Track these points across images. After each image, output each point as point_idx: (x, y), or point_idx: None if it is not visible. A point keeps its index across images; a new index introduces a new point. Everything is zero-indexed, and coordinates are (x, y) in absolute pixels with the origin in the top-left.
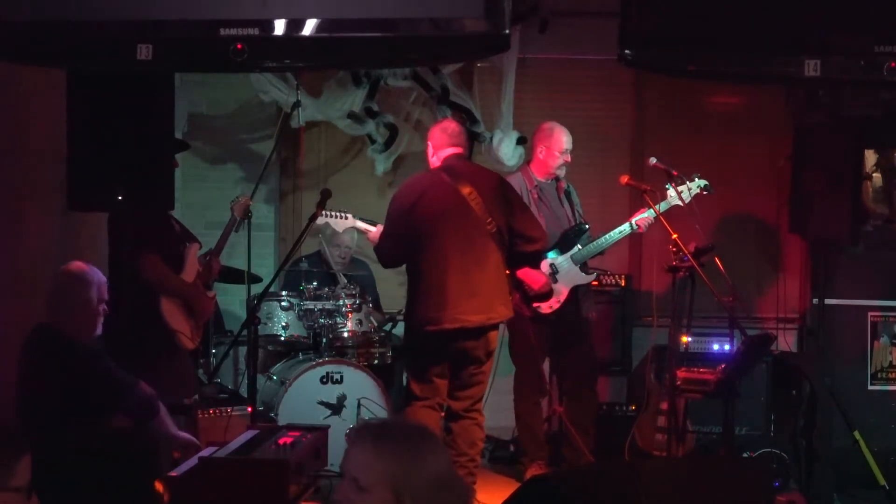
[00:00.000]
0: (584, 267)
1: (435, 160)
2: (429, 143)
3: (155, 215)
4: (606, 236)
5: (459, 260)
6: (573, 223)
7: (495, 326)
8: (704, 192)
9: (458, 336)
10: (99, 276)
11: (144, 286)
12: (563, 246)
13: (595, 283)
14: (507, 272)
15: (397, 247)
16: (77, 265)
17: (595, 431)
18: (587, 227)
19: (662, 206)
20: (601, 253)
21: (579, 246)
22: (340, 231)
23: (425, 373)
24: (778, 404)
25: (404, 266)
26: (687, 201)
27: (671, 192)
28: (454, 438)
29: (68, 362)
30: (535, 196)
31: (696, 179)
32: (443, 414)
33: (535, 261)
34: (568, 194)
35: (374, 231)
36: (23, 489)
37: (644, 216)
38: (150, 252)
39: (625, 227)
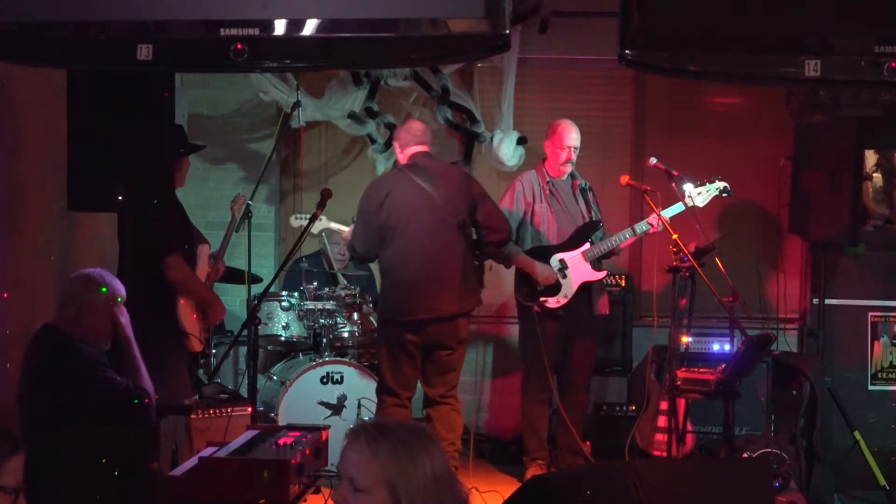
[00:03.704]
0: (597, 263)
1: (401, 158)
2: (395, 143)
3: (177, 215)
4: (619, 234)
5: (428, 252)
6: (587, 220)
7: (465, 314)
8: (724, 195)
9: (431, 324)
10: (116, 287)
11: (164, 286)
12: (574, 242)
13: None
14: (476, 263)
15: (370, 241)
16: (97, 272)
17: (595, 431)
18: (601, 224)
19: (678, 208)
20: (615, 252)
21: (591, 243)
22: (315, 232)
23: (398, 363)
24: (778, 404)
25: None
26: (703, 203)
27: (689, 193)
28: (433, 424)
29: (69, 365)
30: (547, 192)
31: (717, 182)
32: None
33: (499, 249)
34: (584, 192)
35: (347, 231)
36: (9, 489)
37: (668, 211)
38: (176, 252)
39: (629, 230)
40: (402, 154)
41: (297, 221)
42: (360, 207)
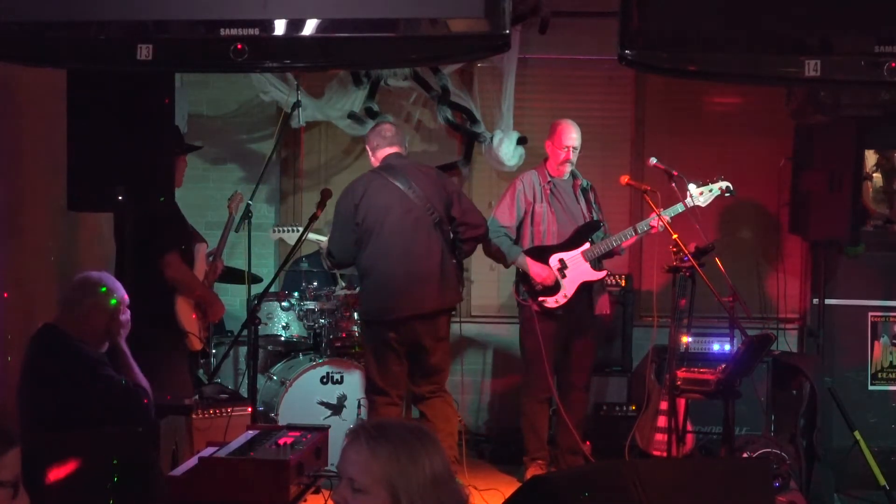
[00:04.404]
0: (597, 263)
1: (374, 161)
2: (367, 147)
3: (174, 214)
4: (620, 234)
5: (406, 251)
6: (588, 220)
7: (446, 311)
8: (727, 195)
9: (413, 322)
10: (118, 292)
11: (163, 285)
12: (575, 242)
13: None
14: (454, 261)
15: (347, 245)
16: (105, 275)
17: (595, 431)
18: (602, 224)
19: (679, 208)
20: (616, 252)
21: (591, 242)
22: (292, 244)
23: (386, 362)
24: (778, 404)
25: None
26: (706, 203)
27: (691, 193)
28: (427, 418)
29: (70, 364)
30: (548, 192)
31: (720, 181)
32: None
33: (478, 245)
34: (585, 191)
35: (325, 241)
36: (8, 484)
37: (670, 211)
38: (173, 250)
39: (630, 230)
40: (374, 157)
41: (276, 235)
42: (335, 212)
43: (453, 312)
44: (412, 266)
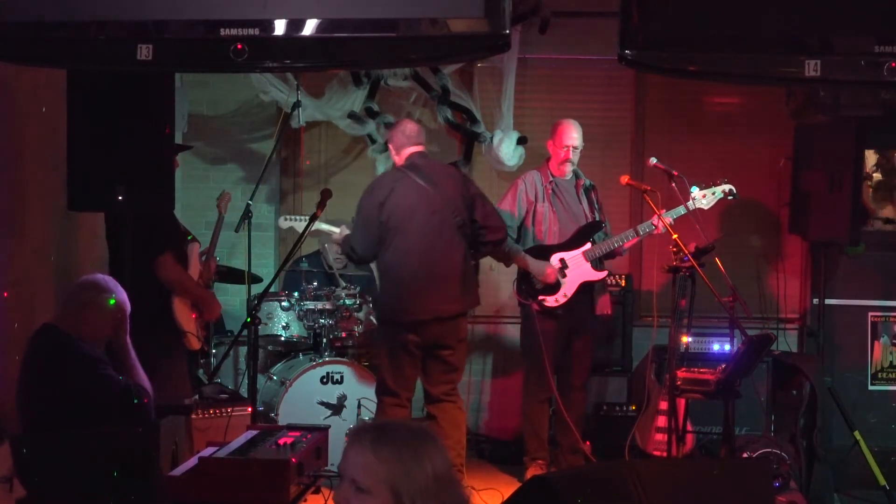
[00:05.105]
0: (598, 263)
1: (398, 159)
2: (389, 145)
3: (166, 214)
4: (622, 235)
5: (429, 253)
6: (590, 220)
7: (464, 314)
8: (730, 198)
9: (433, 324)
10: (121, 295)
11: (159, 286)
12: (576, 242)
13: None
14: (473, 262)
15: (370, 241)
16: (103, 277)
17: (595, 431)
18: (604, 224)
19: (680, 210)
20: (618, 252)
21: (592, 242)
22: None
23: (399, 364)
24: (778, 404)
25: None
26: (709, 206)
27: (695, 195)
28: (438, 422)
29: (70, 363)
30: (549, 191)
31: (723, 184)
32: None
33: (495, 249)
34: (587, 191)
35: (338, 232)
36: (4, 479)
37: (672, 213)
38: (166, 251)
39: (631, 231)
40: (398, 156)
41: (287, 223)
42: (359, 208)
43: None
44: (435, 268)
